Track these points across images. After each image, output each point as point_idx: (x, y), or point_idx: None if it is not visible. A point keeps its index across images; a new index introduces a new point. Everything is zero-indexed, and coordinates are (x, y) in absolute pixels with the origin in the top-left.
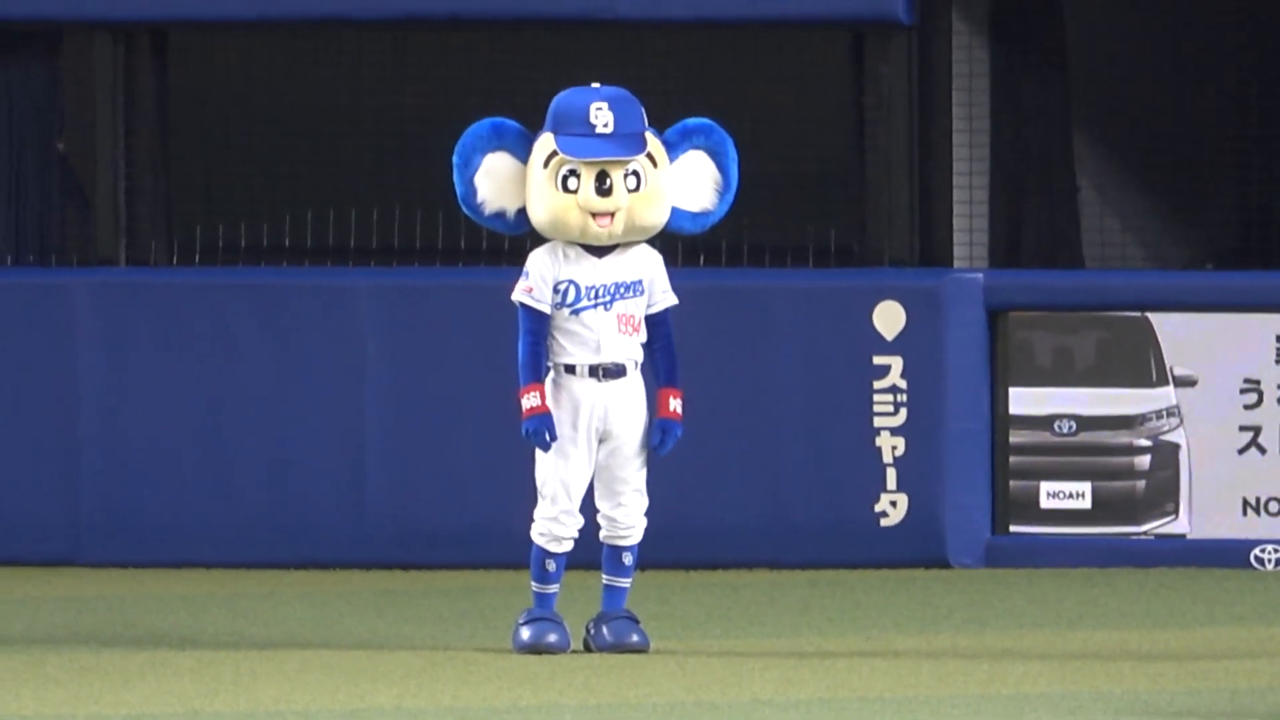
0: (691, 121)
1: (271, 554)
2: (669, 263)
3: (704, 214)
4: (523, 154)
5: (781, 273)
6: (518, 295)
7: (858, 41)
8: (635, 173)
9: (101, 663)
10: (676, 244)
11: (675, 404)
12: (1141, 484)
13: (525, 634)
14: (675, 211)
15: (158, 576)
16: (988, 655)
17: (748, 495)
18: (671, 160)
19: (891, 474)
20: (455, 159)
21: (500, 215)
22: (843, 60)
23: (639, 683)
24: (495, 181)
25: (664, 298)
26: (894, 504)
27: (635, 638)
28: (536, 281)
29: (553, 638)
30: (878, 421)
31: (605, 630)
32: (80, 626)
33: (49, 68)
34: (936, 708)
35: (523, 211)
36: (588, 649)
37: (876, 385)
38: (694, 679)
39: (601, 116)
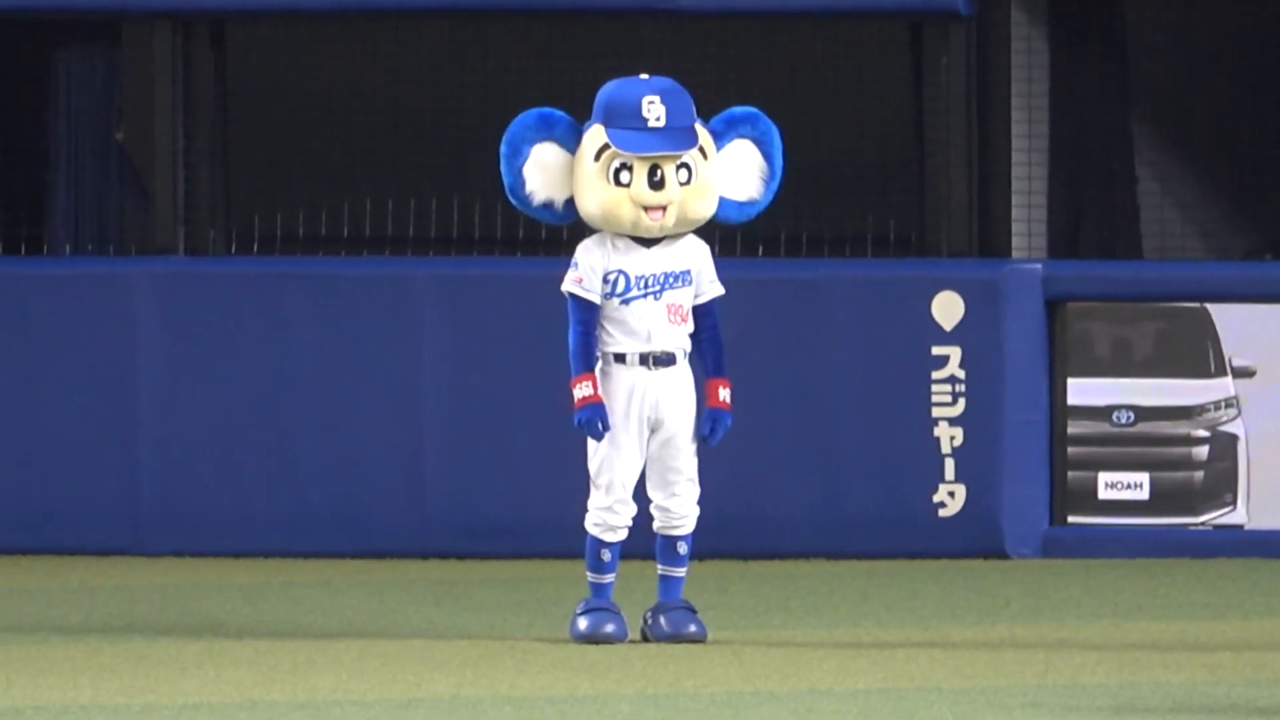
0: (737, 110)
1: (330, 543)
2: (728, 253)
3: (750, 203)
4: (571, 144)
5: (840, 263)
6: (567, 286)
7: (917, 32)
8: (687, 166)
9: (158, 652)
10: (735, 235)
11: (724, 394)
12: (1200, 475)
13: (582, 624)
14: (721, 201)
15: (215, 566)
16: (1045, 646)
17: (806, 485)
18: (719, 148)
19: (950, 464)
20: (503, 149)
21: (548, 205)
22: (902, 51)
23: (696, 673)
24: (543, 172)
25: (711, 288)
26: (952, 494)
27: (693, 628)
28: (586, 272)
29: (610, 628)
30: (936, 412)
31: (663, 620)
32: (137, 616)
33: (108, 58)
34: (994, 698)
35: (571, 202)
36: (645, 639)
37: (935, 376)
38: (751, 669)
39: (654, 110)
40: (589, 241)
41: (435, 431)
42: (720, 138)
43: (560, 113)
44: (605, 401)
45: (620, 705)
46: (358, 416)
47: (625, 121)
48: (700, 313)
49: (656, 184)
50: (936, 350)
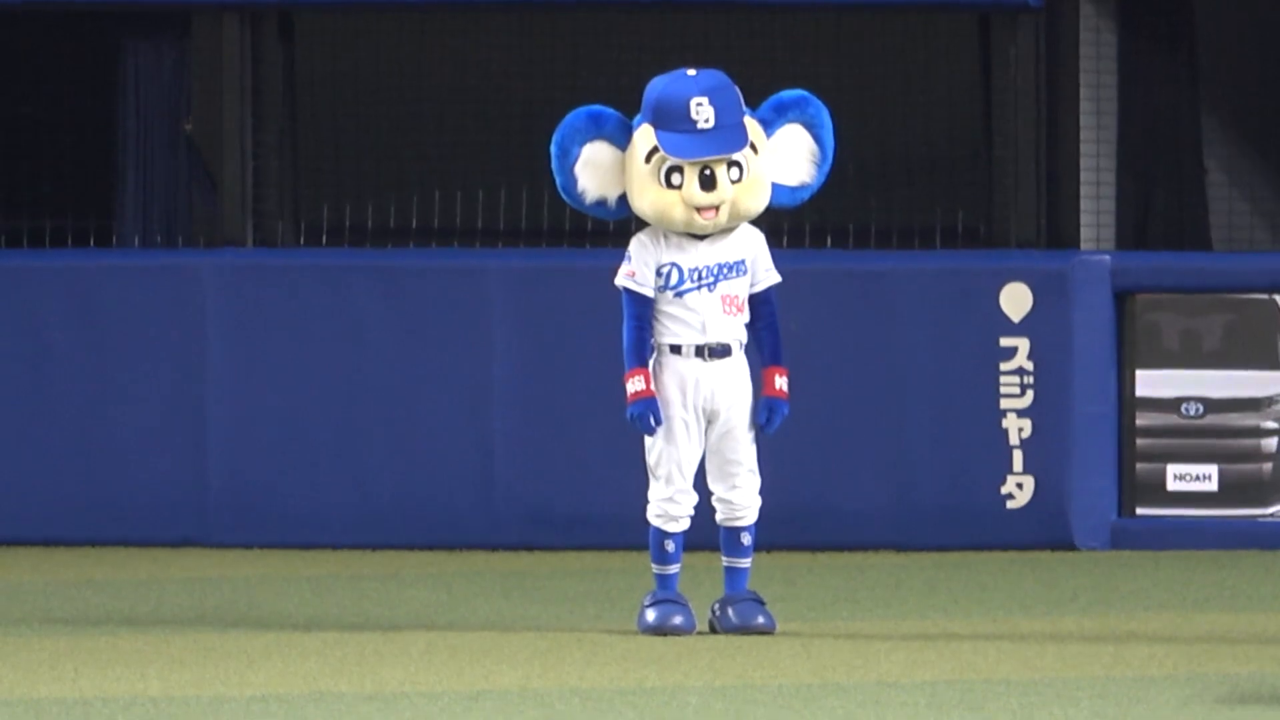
0: (786, 95)
1: (398, 535)
2: (796, 244)
3: (802, 188)
4: (621, 141)
5: (908, 255)
6: (620, 280)
7: (985, 24)
8: (738, 164)
9: (226, 643)
10: (804, 227)
11: (781, 382)
12: (1268, 466)
13: (650, 616)
14: (775, 188)
15: (283, 558)
16: (1113, 638)
17: (874, 477)
18: (769, 135)
19: (1018, 456)
20: (553, 149)
21: (602, 203)
22: (970, 43)
23: (764, 664)
24: (595, 170)
25: (767, 276)
26: (1020, 486)
27: (761, 619)
28: (639, 266)
29: (678, 619)
30: (1004, 404)
31: (731, 612)
32: (206, 607)
33: (177, 50)
34: (1062, 690)
35: (623, 198)
36: (713, 630)
37: (1003, 367)
38: (820, 661)
39: (703, 112)
40: (642, 235)
41: (504, 424)
42: (770, 125)
43: (609, 110)
44: (661, 392)
45: (688, 697)
46: (426, 409)
47: (674, 124)
48: (757, 301)
49: (708, 184)
50: (1005, 342)
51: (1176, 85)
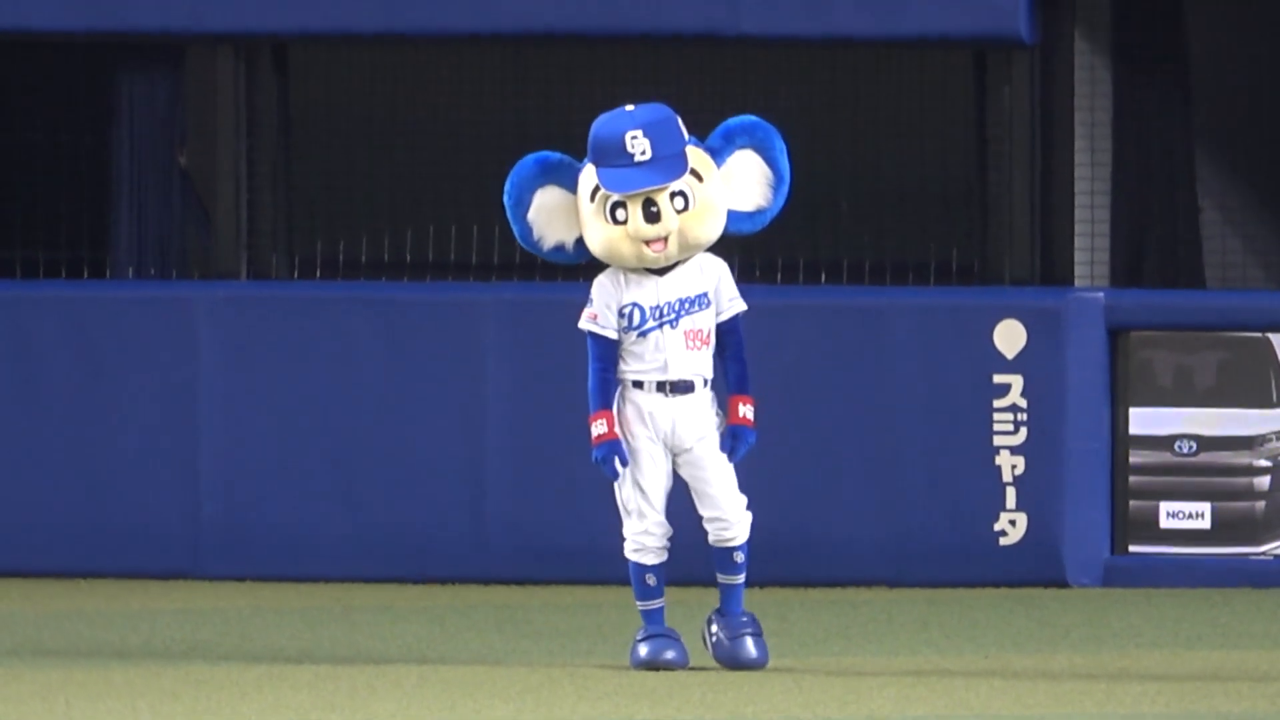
0: (733, 121)
1: (390, 568)
2: (790, 280)
3: (760, 212)
4: (572, 185)
5: (902, 291)
6: (583, 324)
7: (980, 60)
8: (682, 193)
9: (218, 675)
10: (798, 261)
11: (745, 410)
12: (1262, 504)
13: (643, 651)
14: (731, 214)
15: (275, 590)
16: (1105, 675)
17: (867, 512)
18: (720, 164)
19: (1011, 493)
20: (506, 200)
21: (560, 248)
22: (965, 78)
23: (755, 699)
24: (549, 216)
25: (731, 305)
26: (1013, 523)
27: (753, 654)
28: (600, 309)
29: (670, 654)
30: (997, 440)
31: (725, 639)
32: (198, 640)
33: (171, 81)
34: None
35: (581, 241)
36: (704, 641)
37: (996, 404)
38: (811, 696)
39: (638, 144)
40: (602, 277)
41: (497, 457)
42: (719, 154)
43: (558, 155)
44: (627, 425)
45: None
46: (419, 442)
47: (612, 160)
48: (723, 330)
49: (653, 217)
50: (998, 378)
51: (1171, 122)
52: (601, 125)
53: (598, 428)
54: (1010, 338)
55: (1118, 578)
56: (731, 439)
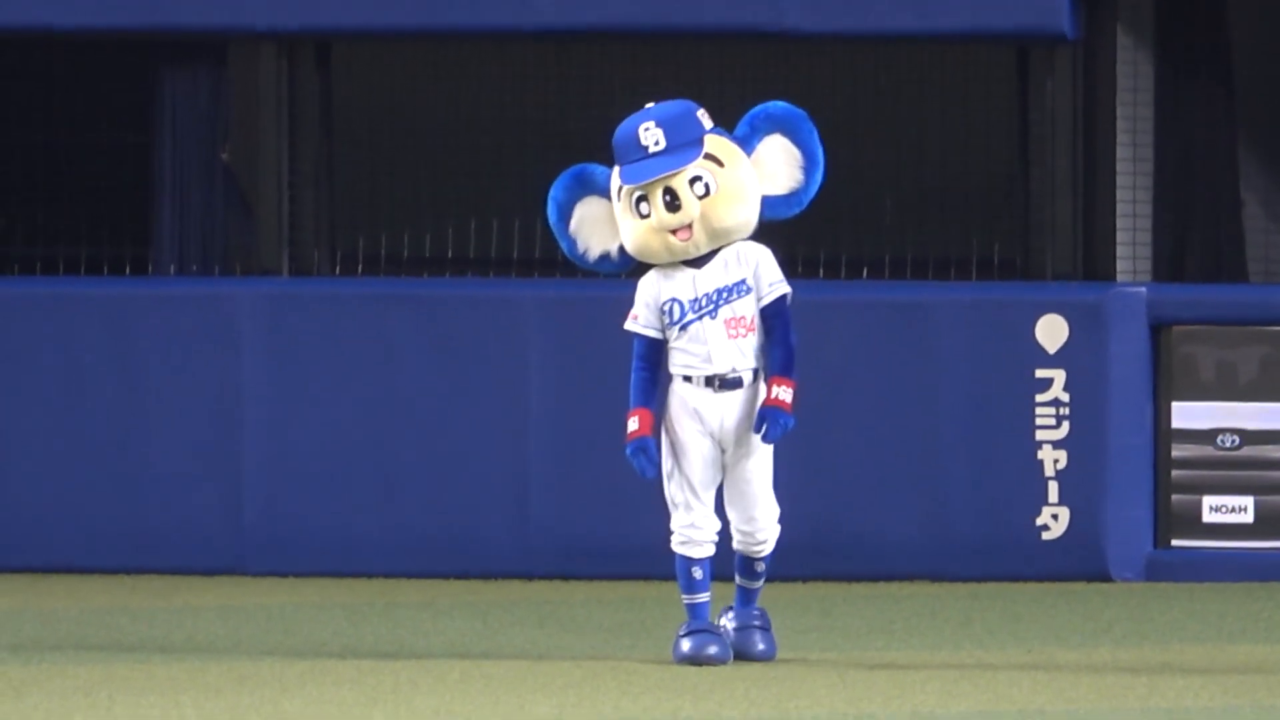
0: (757, 109)
1: (433, 564)
2: (832, 276)
3: (795, 194)
4: (608, 192)
5: (944, 286)
6: (628, 325)
7: (1023, 55)
8: (702, 180)
9: (261, 671)
10: (840, 257)
11: (779, 391)
12: None
13: (685, 646)
14: (767, 200)
15: (318, 586)
16: (1148, 669)
17: (910, 508)
18: (750, 152)
19: (1053, 487)
20: (549, 217)
21: (605, 257)
22: (1008, 74)
23: (799, 694)
24: (591, 226)
25: (773, 289)
26: (1055, 517)
27: (761, 647)
28: (642, 309)
29: (713, 649)
30: (1040, 435)
31: (733, 634)
32: (241, 636)
33: (214, 78)
34: None
35: (623, 248)
36: None
37: (1039, 399)
38: (854, 691)
39: (650, 136)
40: (644, 277)
41: (539, 453)
42: (747, 141)
43: (595, 166)
44: (678, 418)
45: None
46: (462, 438)
47: (630, 155)
48: (768, 314)
49: (674, 206)
50: (1040, 373)
51: (1213, 117)
52: (622, 125)
53: (631, 424)
54: (1052, 333)
55: (1160, 572)
56: (761, 420)
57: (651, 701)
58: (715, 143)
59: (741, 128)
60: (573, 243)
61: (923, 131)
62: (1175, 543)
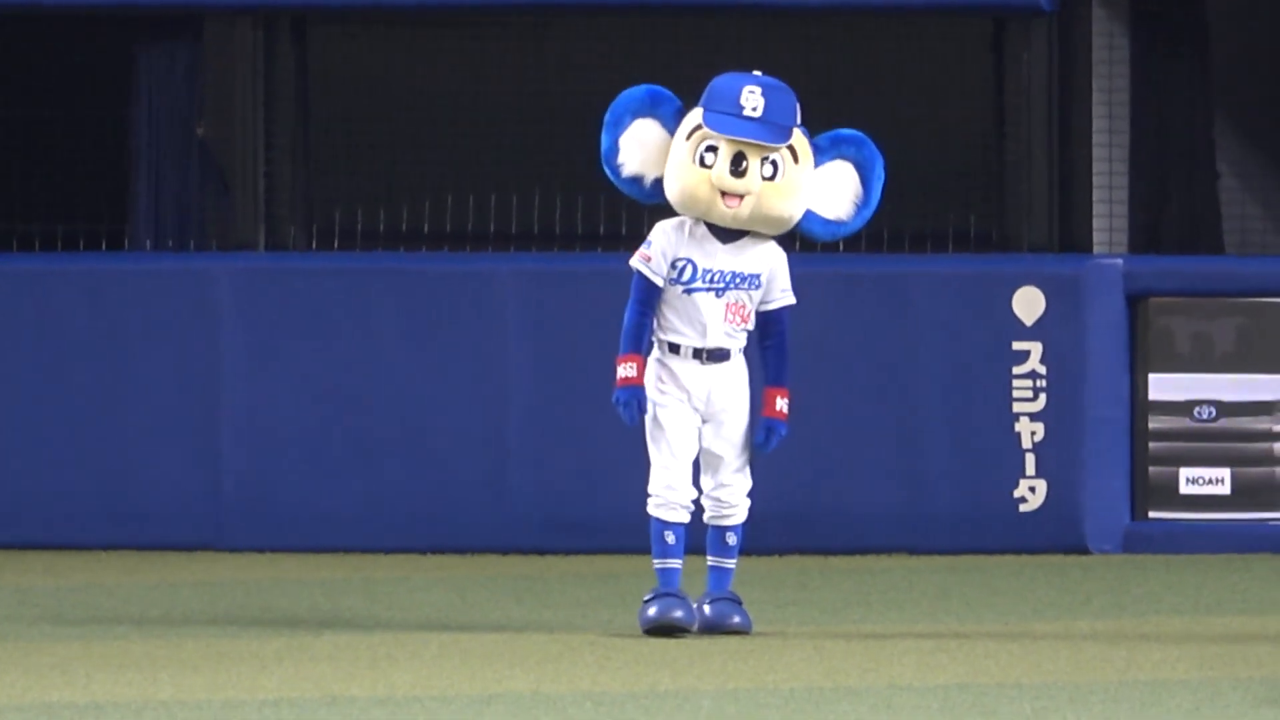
0: (845, 131)
1: (411, 539)
2: (809, 249)
3: (838, 223)
4: (672, 126)
5: (921, 258)
6: (635, 261)
7: (999, 28)
8: (773, 162)
9: (239, 647)
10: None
11: (781, 404)
12: None
13: (651, 610)
14: (809, 215)
15: (296, 561)
16: (1126, 641)
17: (887, 480)
18: (818, 164)
19: (1030, 460)
20: (607, 116)
21: (637, 180)
22: (984, 47)
23: (776, 668)
24: (640, 146)
25: (782, 297)
26: (1033, 490)
27: (737, 619)
28: (656, 253)
29: (679, 613)
30: (1017, 407)
31: (707, 609)
32: (218, 611)
33: (190, 54)
34: (1074, 693)
35: (659, 182)
36: None
37: (1016, 371)
38: (832, 663)
39: (752, 100)
40: (666, 223)
41: (517, 427)
42: (822, 153)
43: (670, 94)
44: (662, 385)
45: (701, 700)
46: (440, 413)
47: (723, 106)
48: (768, 320)
49: (739, 172)
50: (1018, 345)
51: (1189, 89)
52: (724, 76)
53: (625, 369)
54: (1029, 305)
55: (1138, 544)
56: (765, 432)
57: (630, 675)
58: (799, 138)
59: (823, 139)
60: (615, 150)
61: (899, 104)
62: (1152, 514)
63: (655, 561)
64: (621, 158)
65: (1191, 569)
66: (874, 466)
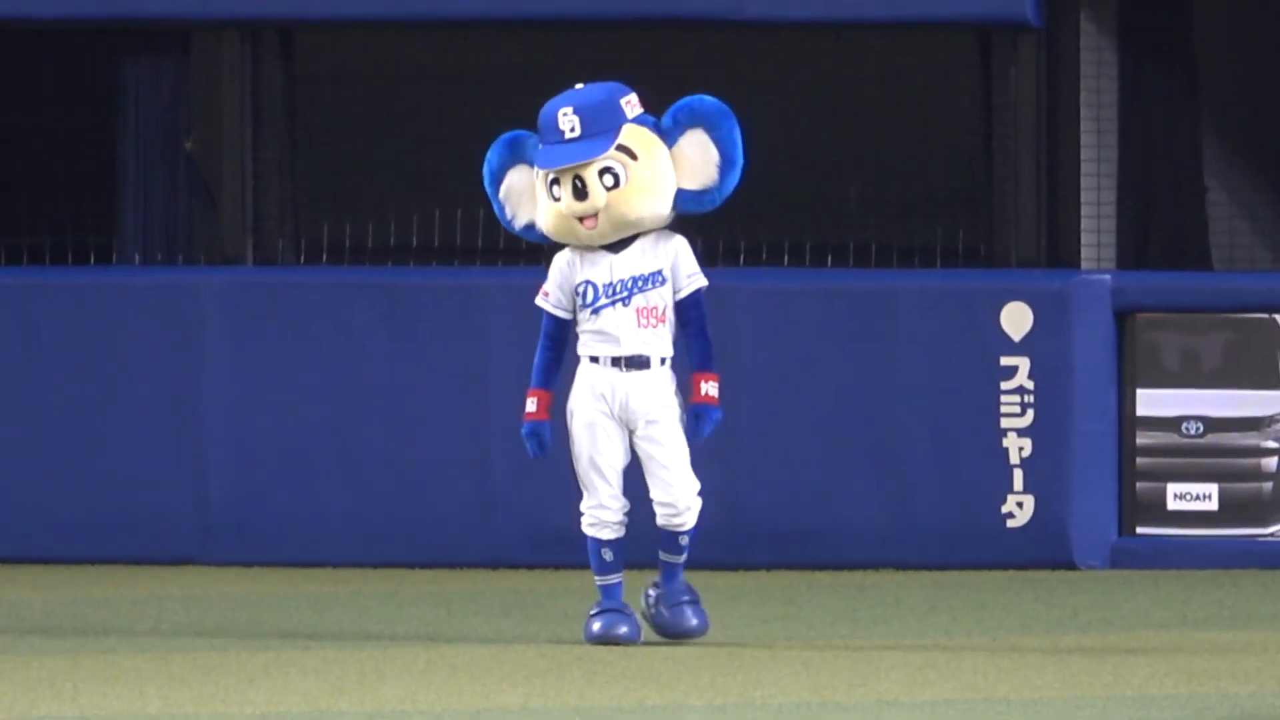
0: (683, 102)
1: (397, 553)
2: (796, 263)
3: (706, 191)
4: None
5: (909, 274)
6: (538, 300)
7: (986, 43)
8: (610, 170)
9: (226, 661)
10: (804, 245)
11: (707, 387)
12: (1268, 485)
13: (596, 626)
14: (680, 194)
15: (283, 575)
16: (1113, 656)
17: (874, 496)
18: (671, 145)
19: (1018, 475)
20: (484, 179)
21: (531, 227)
22: (971, 61)
23: (764, 683)
24: (518, 194)
25: (690, 282)
26: (1020, 505)
27: (694, 622)
28: (553, 288)
29: (623, 629)
30: (1004, 423)
31: (665, 612)
32: (205, 625)
33: (177, 67)
34: (1062, 709)
35: None
36: (644, 618)
37: (1003, 386)
38: (819, 679)
39: (567, 121)
40: (559, 255)
41: (503, 441)
42: (669, 133)
43: (528, 134)
44: (583, 399)
45: (688, 715)
46: (425, 427)
47: (548, 137)
48: (684, 306)
49: (581, 194)
50: (1005, 361)
51: (1177, 104)
52: (546, 105)
53: (529, 404)
54: (1017, 320)
55: (1125, 559)
56: (694, 419)
57: (618, 690)
58: (633, 133)
59: (666, 119)
60: (502, 207)
61: (886, 119)
62: (1140, 530)
63: (596, 578)
64: (509, 213)
65: (1179, 584)
66: (861, 481)
